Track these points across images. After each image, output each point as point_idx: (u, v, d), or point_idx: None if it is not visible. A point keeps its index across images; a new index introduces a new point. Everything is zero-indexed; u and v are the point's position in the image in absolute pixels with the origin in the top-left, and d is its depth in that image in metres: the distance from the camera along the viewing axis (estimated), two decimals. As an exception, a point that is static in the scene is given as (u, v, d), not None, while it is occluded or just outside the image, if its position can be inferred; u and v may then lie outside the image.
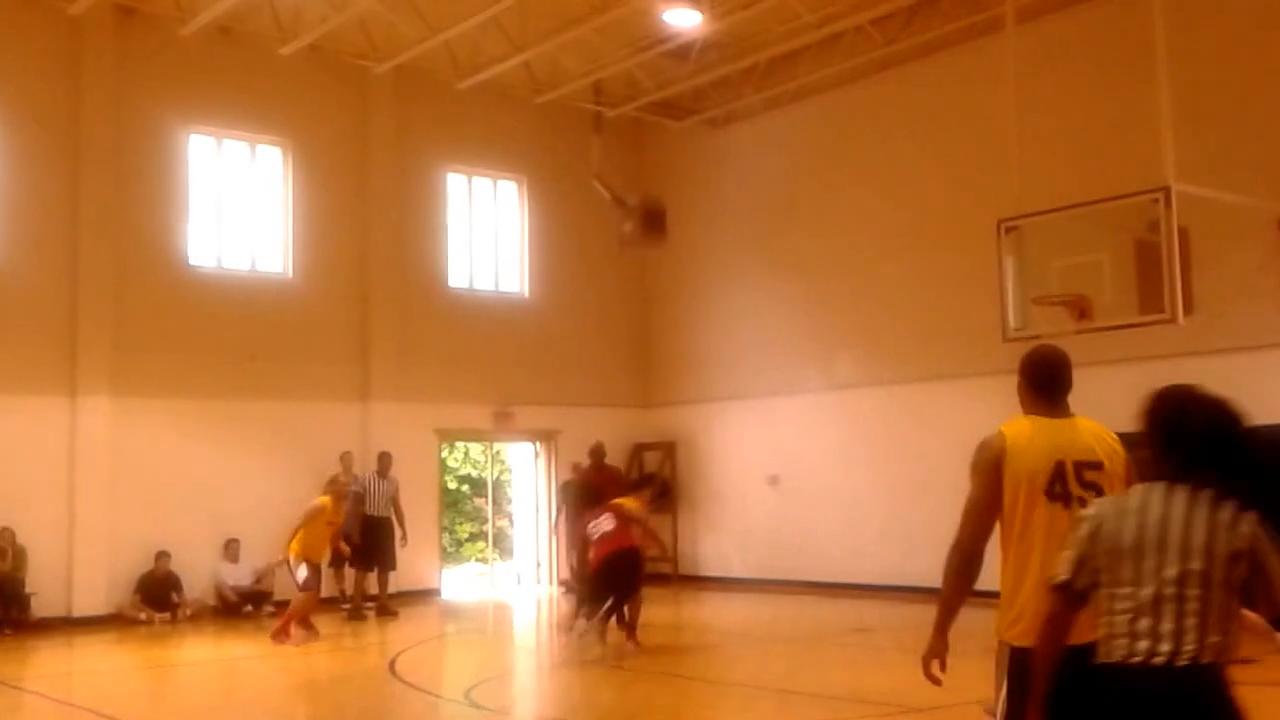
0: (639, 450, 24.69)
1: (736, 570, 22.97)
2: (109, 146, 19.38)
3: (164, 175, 20.06)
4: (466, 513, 29.98)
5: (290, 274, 21.18)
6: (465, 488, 30.11)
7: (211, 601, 19.24)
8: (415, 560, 21.12)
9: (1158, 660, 4.09)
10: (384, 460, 19.46)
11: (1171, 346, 15.99)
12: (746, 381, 23.15)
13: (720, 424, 23.73)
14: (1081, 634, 4.51)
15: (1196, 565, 4.18)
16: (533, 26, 19.62)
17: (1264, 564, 4.22)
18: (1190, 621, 4.11)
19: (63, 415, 18.67)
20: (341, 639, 17.08)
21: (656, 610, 17.98)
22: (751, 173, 23.41)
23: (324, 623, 18.11)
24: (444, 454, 24.36)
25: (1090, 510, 4.50)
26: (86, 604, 18.44)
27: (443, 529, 24.18)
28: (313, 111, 21.53)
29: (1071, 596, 4.40)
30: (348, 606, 18.76)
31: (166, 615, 18.47)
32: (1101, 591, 4.32)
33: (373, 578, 19.27)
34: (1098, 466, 5.09)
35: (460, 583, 25.08)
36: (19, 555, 17.87)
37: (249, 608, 19.03)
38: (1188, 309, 13.73)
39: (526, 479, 24.54)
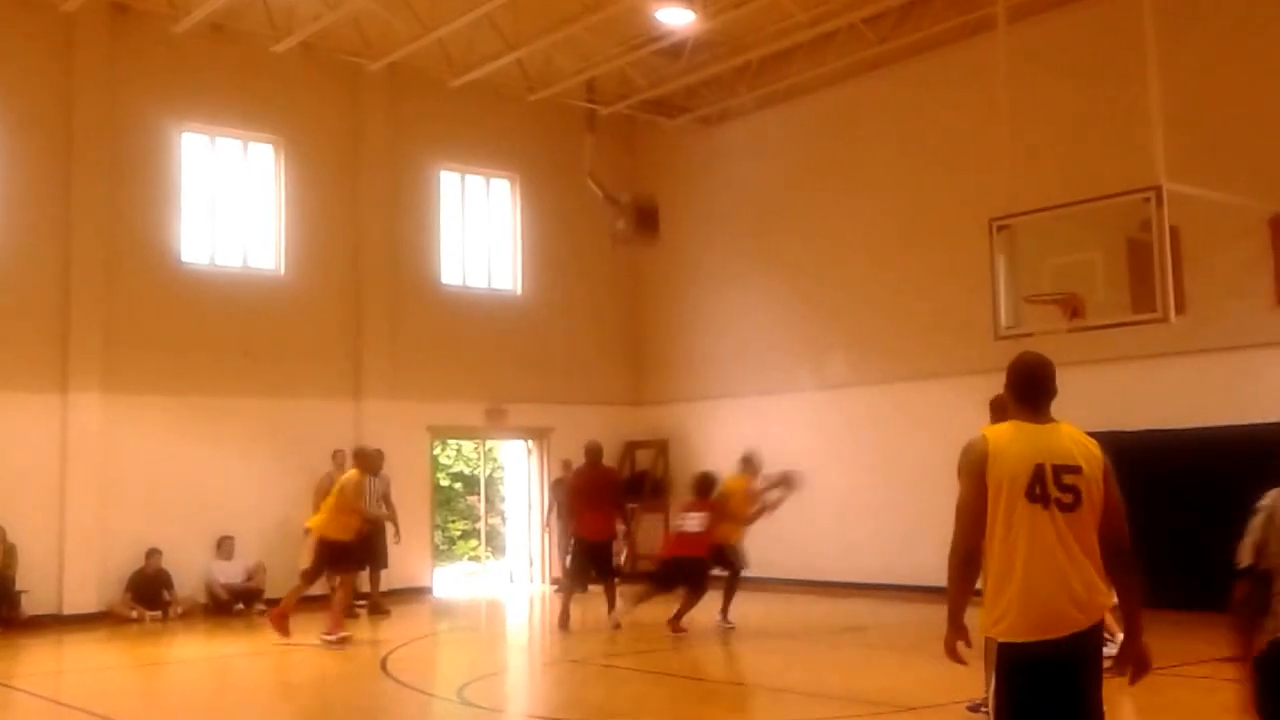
0: (631, 448, 24.70)
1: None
2: (102, 143, 19.35)
3: (157, 172, 20.03)
4: (459, 510, 29.98)
5: (283, 271, 21.16)
6: (458, 485, 30.11)
7: (203, 599, 19.21)
8: (407, 558, 21.08)
9: None
10: (376, 458, 19.39)
11: (1163, 345, 16.06)
12: (739, 380, 23.16)
13: (712, 422, 23.72)
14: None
15: None
16: (526, 24, 19.62)
17: None
18: None
19: (54, 412, 18.65)
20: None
21: (649, 608, 17.95)
22: (744, 171, 23.42)
23: (314, 623, 18.10)
24: (436, 451, 24.33)
25: (1264, 500, 5.10)
26: (77, 601, 18.41)
27: (435, 527, 24.16)
28: (306, 109, 21.52)
29: (1256, 579, 4.99)
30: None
31: (158, 613, 18.44)
32: (1275, 574, 4.95)
33: (364, 575, 19.22)
34: (1076, 470, 5.28)
35: (452, 580, 25.04)
36: (9, 552, 17.84)
37: (240, 606, 19.00)
38: (1179, 308, 13.76)
39: (519, 477, 24.55)
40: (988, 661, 5.30)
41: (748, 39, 20.55)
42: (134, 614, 18.31)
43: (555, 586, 21.62)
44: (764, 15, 19.46)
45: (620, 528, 17.99)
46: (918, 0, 19.27)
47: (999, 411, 9.40)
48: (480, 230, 23.87)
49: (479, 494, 26.38)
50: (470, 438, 25.55)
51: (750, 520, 16.54)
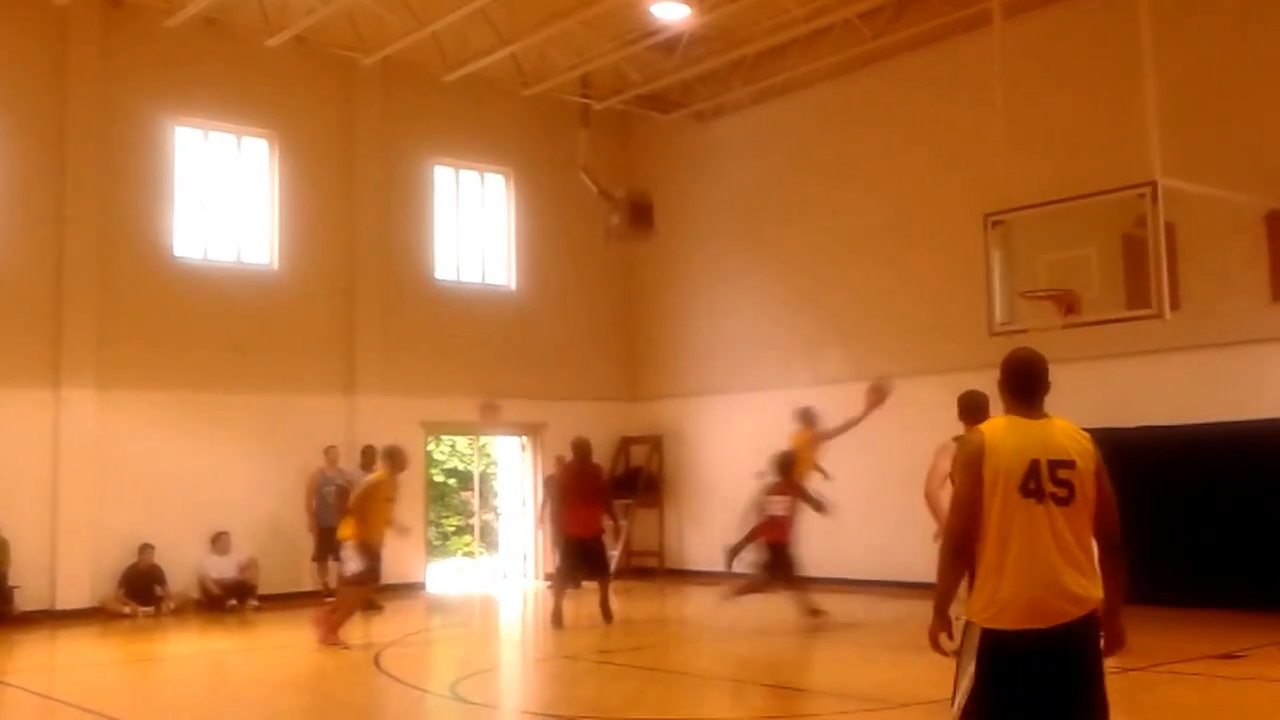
0: (626, 444, 24.68)
1: (723, 564, 22.88)
2: (95, 138, 19.30)
3: (150, 167, 19.99)
4: (453, 506, 29.97)
5: (276, 266, 21.12)
6: (451, 481, 30.08)
7: (195, 595, 19.17)
8: (401, 554, 21.05)
9: None
10: (368, 454, 19.39)
11: (1158, 341, 16.04)
12: (734, 376, 23.14)
13: (707, 418, 23.71)
14: None
15: None
16: (520, 19, 19.58)
17: None
18: None
19: (47, 407, 18.60)
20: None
21: (643, 605, 18.00)
22: (739, 166, 23.39)
23: (307, 618, 18.08)
24: (430, 447, 24.30)
25: None
26: (70, 597, 18.37)
27: (429, 522, 24.13)
28: (299, 103, 21.47)
29: None
30: (331, 601, 18.69)
31: (150, 608, 18.40)
32: None
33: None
34: (1070, 465, 5.36)
35: (446, 576, 25.02)
36: (2, 548, 17.80)
37: (233, 601, 18.96)
38: (1174, 304, 13.76)
39: (513, 472, 24.52)
40: (965, 647, 5.39)
41: (743, 34, 20.51)
42: (127, 609, 18.27)
43: (548, 583, 21.58)
44: (759, 10, 19.42)
45: (609, 524, 17.86)
46: (913, -5, 19.28)
47: (967, 411, 9.47)
48: (474, 225, 23.83)
49: (473, 490, 26.34)
50: (464, 433, 25.51)
51: (830, 438, 16.67)
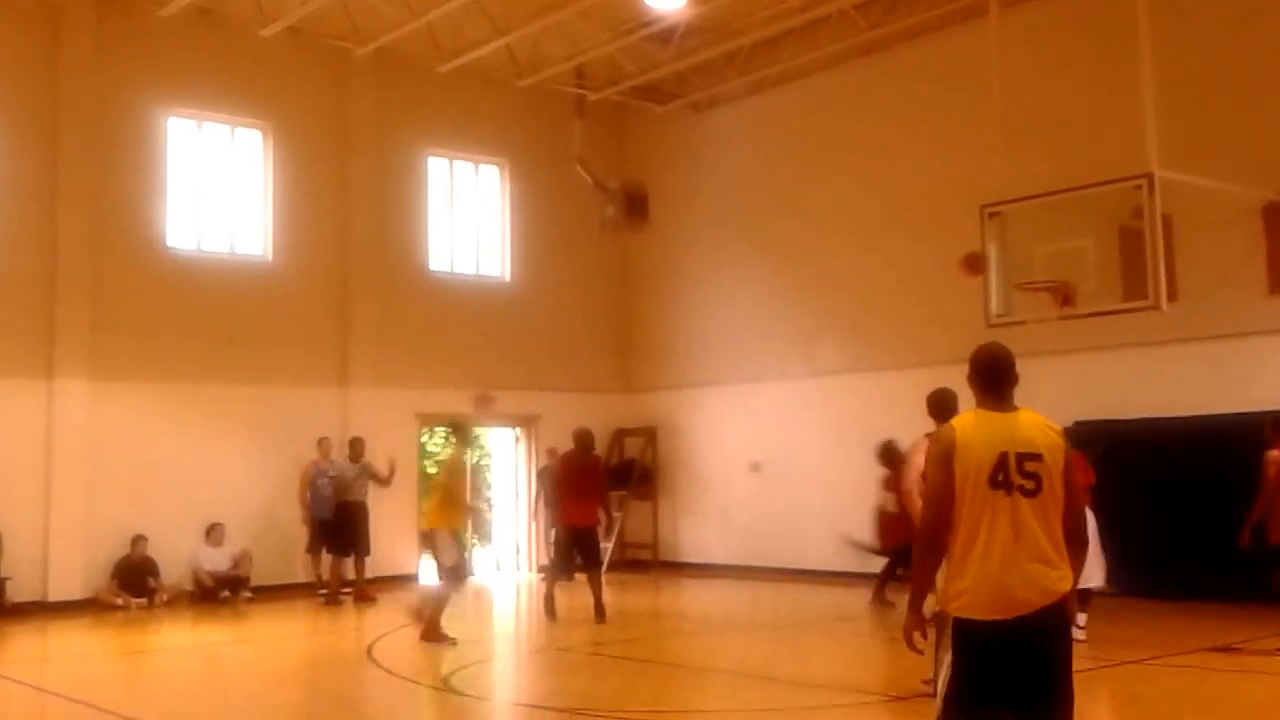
0: (620, 435, 24.65)
1: (717, 556, 22.92)
2: (88, 128, 19.22)
3: (143, 157, 19.91)
4: (446, 498, 29.86)
5: (270, 257, 21.06)
6: (445, 473, 29.98)
7: (188, 586, 19.11)
8: (394, 546, 21.05)
9: None
10: (356, 445, 19.30)
11: (1155, 333, 16.02)
12: (728, 367, 23.11)
13: (702, 410, 23.68)
14: None
15: None
16: (515, 9, 19.55)
17: None
18: None
19: (39, 398, 18.54)
20: (319, 624, 17.01)
21: (637, 597, 17.96)
22: (734, 158, 23.35)
23: (300, 610, 18.05)
24: (424, 439, 24.25)
25: None
26: (62, 589, 18.31)
27: (421, 514, 24.04)
28: (293, 94, 21.40)
29: None
30: (324, 593, 18.66)
31: (143, 600, 18.34)
32: None
33: (349, 563, 19.16)
34: (1038, 458, 5.47)
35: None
36: (-6, 540, 17.77)
37: (226, 593, 18.91)
38: (1171, 296, 13.72)
39: (506, 464, 24.47)
40: (940, 634, 5.57)
41: (738, 25, 20.46)
42: (119, 601, 18.21)
43: (541, 574, 21.55)
44: (754, 1, 19.38)
45: (603, 516, 17.73)
46: (909, -14, 19.23)
47: (936, 410, 9.55)
48: (468, 216, 23.77)
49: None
50: (458, 425, 25.44)
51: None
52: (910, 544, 14.28)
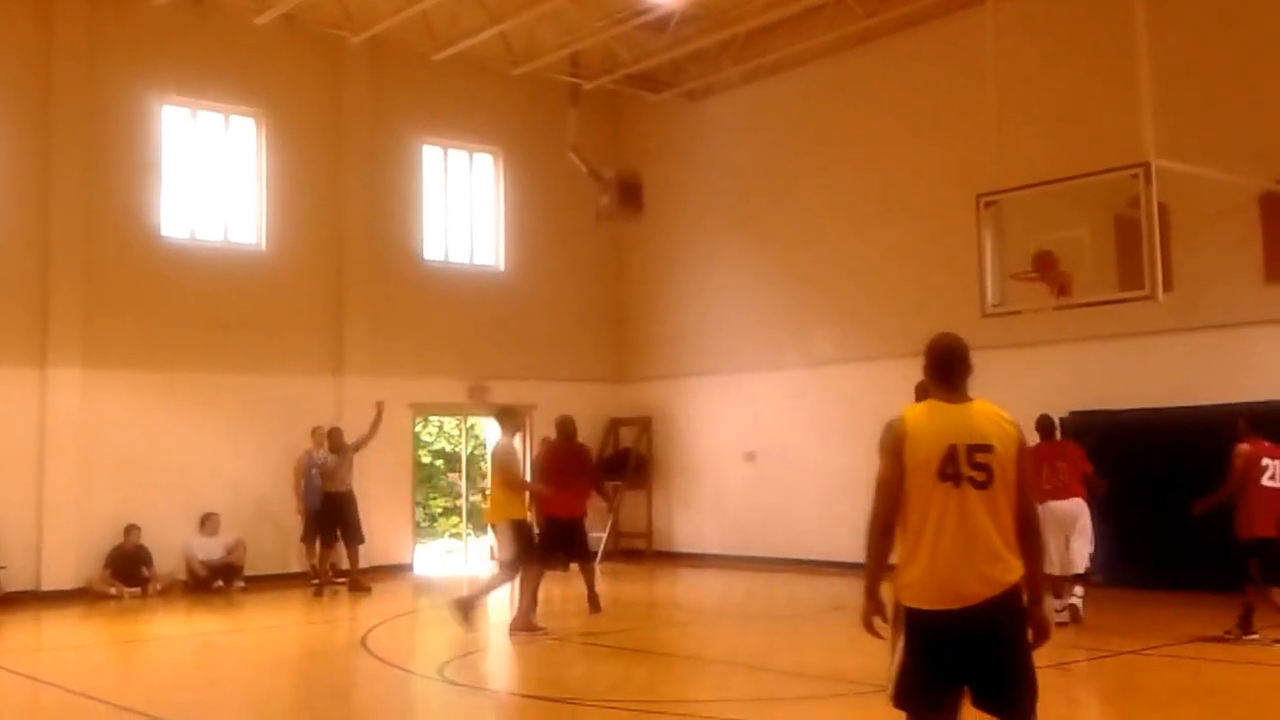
0: (615, 425, 24.62)
1: (712, 546, 22.90)
2: (82, 116, 19.17)
3: (137, 146, 19.86)
4: (440, 488, 29.86)
5: (264, 246, 21.00)
6: (439, 462, 29.99)
7: (182, 576, 19.08)
8: (388, 535, 21.04)
9: None
10: (334, 436, 18.99)
11: (1151, 323, 15.99)
12: (723, 357, 23.08)
13: (697, 400, 23.65)
14: None
15: None
16: (509, -3, 19.50)
17: None
18: None
19: (33, 387, 18.52)
20: (313, 614, 16.98)
21: (631, 587, 17.93)
22: (729, 146, 23.30)
23: (294, 599, 18.01)
24: (418, 428, 24.20)
25: None
26: (55, 578, 18.29)
27: (416, 504, 24.05)
28: (287, 82, 21.33)
29: None
30: (317, 582, 18.60)
31: (136, 589, 18.33)
32: None
33: (342, 552, 19.09)
34: (988, 449, 5.51)
35: (433, 558, 24.94)
36: (-13, 528, 17.73)
37: (219, 582, 18.89)
38: (1168, 285, 13.67)
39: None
40: (895, 623, 5.62)
41: (733, 13, 20.40)
42: (113, 590, 18.19)
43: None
44: (750, -11, 19.34)
45: (599, 505, 17.38)
46: (905, -26, 19.18)
47: (924, 396, 9.48)
48: (463, 205, 23.73)
49: (460, 471, 26.25)
50: (452, 414, 25.41)
51: None
52: None
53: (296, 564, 19.58)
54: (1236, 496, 12.51)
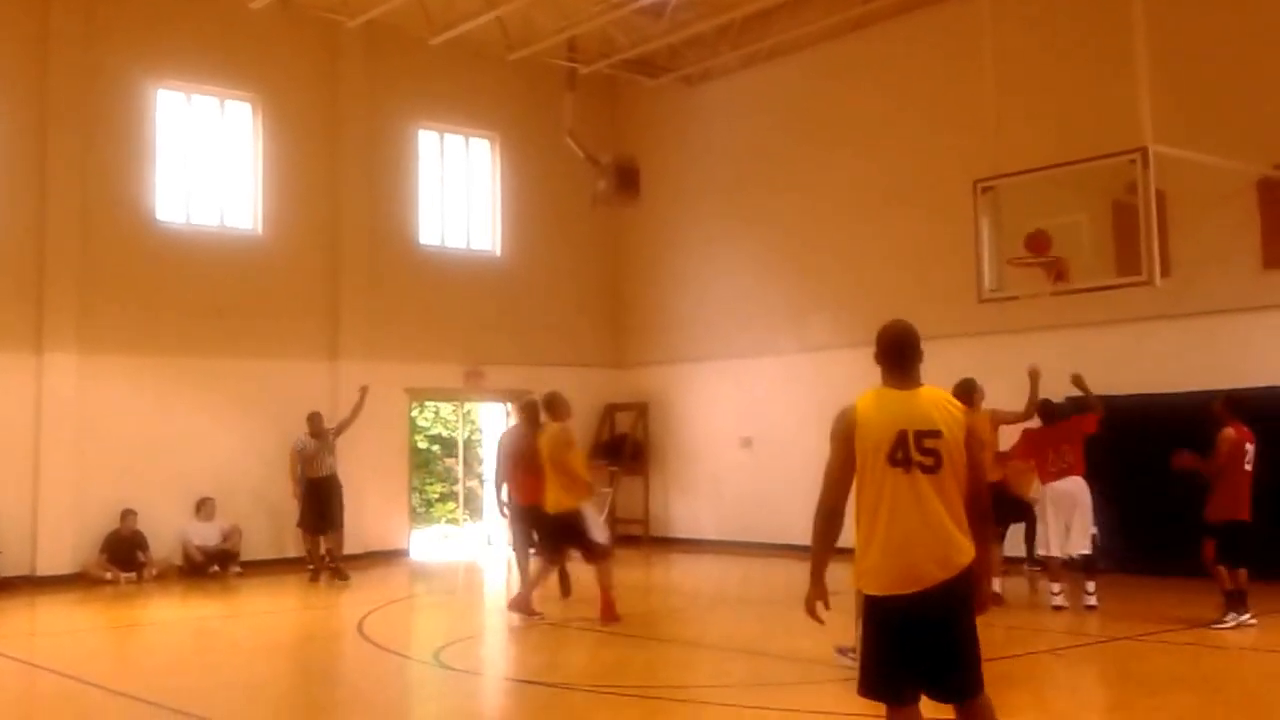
0: (611, 411, 24.61)
1: (708, 532, 22.91)
2: (77, 100, 19.11)
3: (132, 130, 19.80)
4: (436, 473, 29.83)
5: (260, 231, 20.96)
6: (435, 448, 29.96)
7: (178, 561, 19.07)
8: (384, 520, 21.03)
9: None
10: (314, 421, 18.71)
11: (1149, 309, 15.99)
12: (720, 342, 23.07)
13: (693, 385, 23.65)
14: None
15: None
16: (506, -19, 19.43)
17: None
18: None
19: (29, 372, 18.49)
20: (309, 599, 16.97)
21: (628, 572, 17.90)
22: (726, 131, 23.26)
23: (290, 585, 18.01)
24: (414, 413, 24.18)
25: None
26: (51, 563, 18.27)
27: (412, 489, 24.04)
28: (283, 67, 21.27)
29: None
30: (312, 568, 18.56)
31: (132, 575, 18.32)
32: None
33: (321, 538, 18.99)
34: (936, 435, 5.65)
35: (429, 543, 24.93)
36: (-17, 513, 17.72)
37: (215, 568, 18.89)
38: (1165, 271, 13.67)
39: (497, 439, 24.34)
40: (858, 610, 5.86)
41: (730, -2, 20.37)
42: (108, 575, 18.18)
43: (533, 551, 21.47)
44: (748, -27, 19.29)
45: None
46: (903, -41, 19.14)
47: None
48: (459, 190, 23.69)
49: (457, 457, 26.23)
50: (449, 400, 25.39)
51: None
52: None
53: (293, 549, 19.54)
54: (1216, 480, 12.58)
